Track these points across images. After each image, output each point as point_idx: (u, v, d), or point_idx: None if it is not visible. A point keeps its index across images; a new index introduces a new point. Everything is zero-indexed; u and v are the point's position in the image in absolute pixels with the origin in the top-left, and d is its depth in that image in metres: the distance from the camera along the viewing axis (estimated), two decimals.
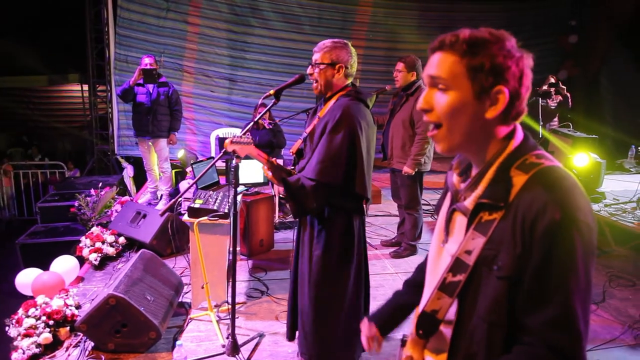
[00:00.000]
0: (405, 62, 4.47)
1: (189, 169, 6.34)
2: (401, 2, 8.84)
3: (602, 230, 4.83)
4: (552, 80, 6.26)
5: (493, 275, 1.02)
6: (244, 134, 2.43)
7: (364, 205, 2.61)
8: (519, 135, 1.10)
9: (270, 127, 5.71)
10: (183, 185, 5.78)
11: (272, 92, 2.55)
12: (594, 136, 5.31)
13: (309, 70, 2.54)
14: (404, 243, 4.80)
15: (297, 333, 2.78)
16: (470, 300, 1.07)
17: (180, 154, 7.19)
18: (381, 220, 5.81)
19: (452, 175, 1.23)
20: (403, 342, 1.38)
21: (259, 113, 5.68)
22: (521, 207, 0.99)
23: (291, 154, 2.74)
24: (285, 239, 5.13)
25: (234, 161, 2.59)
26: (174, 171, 6.19)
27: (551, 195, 0.96)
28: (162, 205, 5.81)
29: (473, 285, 1.06)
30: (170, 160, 6.18)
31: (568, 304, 0.95)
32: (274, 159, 2.48)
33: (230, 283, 2.80)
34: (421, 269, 1.51)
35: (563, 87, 6.30)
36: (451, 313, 1.11)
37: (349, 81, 2.58)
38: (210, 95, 8.43)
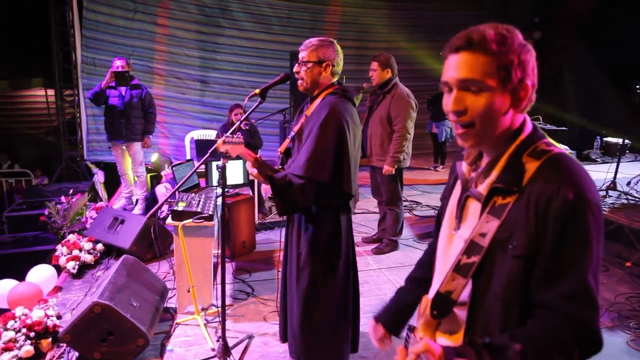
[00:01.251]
0: (379, 61, 4.52)
1: (164, 172, 6.24)
2: (371, 1, 8.91)
3: None
4: None
5: (508, 255, 1.07)
6: (233, 133, 2.41)
7: (352, 203, 2.63)
8: (529, 125, 1.15)
9: (247, 127, 5.67)
10: (159, 189, 5.68)
11: (257, 91, 2.54)
12: (563, 128, 5.48)
13: (295, 68, 2.54)
14: (386, 239, 4.85)
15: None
16: (484, 280, 1.11)
17: (154, 157, 7.07)
18: (360, 218, 5.84)
19: (461, 165, 1.27)
20: (410, 328, 1.40)
21: (234, 114, 5.71)
22: (535, 190, 1.04)
23: (279, 153, 2.73)
24: (266, 239, 5.11)
25: (221, 161, 2.57)
26: (149, 175, 6.08)
27: (563, 178, 1.03)
28: (138, 210, 5.70)
29: (487, 266, 1.10)
30: (145, 164, 6.06)
31: (584, 277, 1.01)
32: (259, 156, 2.47)
33: (219, 285, 2.76)
34: (421, 265, 1.54)
35: None
36: (465, 295, 1.15)
37: (335, 79, 2.58)
38: (182, 97, 8.32)
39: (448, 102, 1.12)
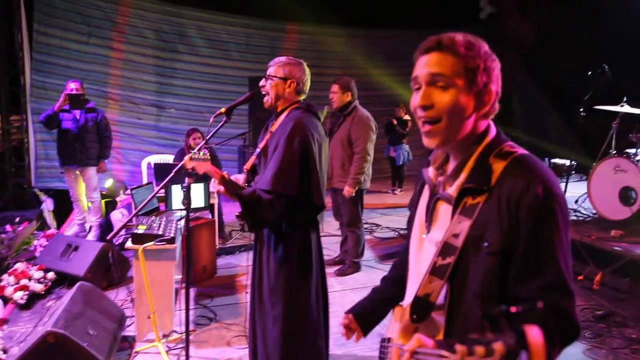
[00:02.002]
0: (339, 84, 4.61)
1: (119, 198, 6.05)
2: (328, 28, 9.11)
3: None
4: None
5: (483, 252, 1.09)
6: (199, 150, 2.38)
7: (320, 218, 2.63)
8: (493, 129, 1.22)
9: (207, 153, 5.61)
10: (115, 215, 5.49)
11: (223, 110, 2.52)
12: None
13: (261, 82, 2.57)
14: (348, 261, 4.86)
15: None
16: (460, 280, 1.13)
17: (109, 183, 6.84)
18: (322, 241, 5.80)
19: (427, 171, 1.31)
20: (385, 340, 1.39)
21: (192, 138, 5.64)
22: (505, 188, 1.09)
23: (245, 171, 2.71)
24: (227, 264, 5.01)
25: (186, 181, 2.53)
26: (103, 201, 5.88)
27: (531, 175, 1.08)
28: (92, 237, 5.48)
29: (462, 266, 1.12)
30: (99, 189, 5.86)
31: (560, 268, 1.05)
32: (225, 172, 2.43)
33: (181, 311, 2.67)
34: (397, 266, 1.56)
35: None
36: (442, 297, 1.16)
37: (301, 98, 2.62)
38: (137, 122, 8.16)
39: (416, 99, 1.16)
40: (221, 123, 2.54)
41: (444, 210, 1.20)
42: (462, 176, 1.18)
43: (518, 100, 9.87)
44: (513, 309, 1.03)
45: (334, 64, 9.31)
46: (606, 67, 5.47)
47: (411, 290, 1.27)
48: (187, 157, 2.35)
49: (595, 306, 4.07)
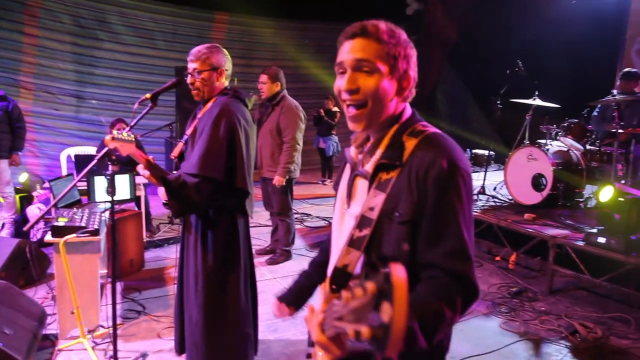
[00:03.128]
0: (268, 74, 4.62)
1: (36, 193, 5.71)
2: (257, 20, 9.04)
3: None
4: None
5: (395, 222, 1.16)
6: (128, 131, 2.29)
7: (249, 206, 2.63)
8: (409, 110, 1.30)
9: (131, 135, 5.41)
10: (31, 210, 5.17)
11: (148, 95, 2.43)
12: None
13: (189, 79, 2.50)
14: (279, 249, 4.89)
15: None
16: (375, 250, 1.19)
17: (24, 177, 6.42)
18: (252, 231, 5.76)
19: (349, 150, 1.37)
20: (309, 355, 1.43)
21: (116, 129, 5.40)
22: (414, 163, 1.16)
23: (173, 158, 2.66)
24: (156, 257, 4.88)
25: (109, 168, 2.44)
26: (18, 196, 5.50)
27: (438, 151, 1.16)
28: (5, 234, 5.12)
29: (377, 237, 1.19)
30: (13, 184, 5.48)
31: (461, 236, 1.14)
32: (151, 157, 2.37)
33: (108, 306, 2.58)
34: (324, 250, 1.60)
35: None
36: (358, 267, 1.22)
37: (227, 83, 2.61)
38: (55, 113, 7.71)
39: (342, 83, 1.20)
40: (146, 109, 2.46)
41: (362, 185, 1.27)
42: (378, 153, 1.24)
43: (442, 93, 10.32)
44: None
45: (263, 55, 9.27)
46: (520, 63, 5.86)
47: (333, 261, 1.32)
48: (108, 136, 2.22)
49: (511, 284, 4.38)
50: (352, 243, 1.21)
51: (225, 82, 2.57)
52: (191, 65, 2.48)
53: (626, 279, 3.81)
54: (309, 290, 1.58)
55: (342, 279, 1.22)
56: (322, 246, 1.64)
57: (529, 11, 8.05)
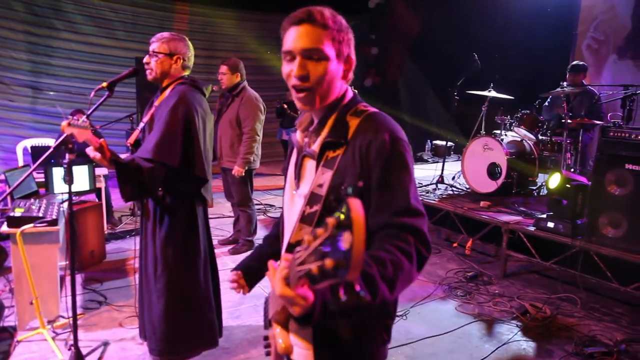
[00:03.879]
0: (228, 65, 4.63)
1: None
2: (219, 11, 8.98)
3: None
4: None
5: (342, 196, 1.20)
6: (84, 119, 2.28)
7: (207, 194, 2.66)
8: (350, 92, 1.38)
9: (87, 122, 5.33)
10: None
11: (104, 84, 2.44)
12: None
13: (145, 59, 2.54)
14: (241, 239, 4.93)
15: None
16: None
17: None
18: (215, 222, 5.82)
19: (295, 134, 1.44)
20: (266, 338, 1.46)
21: (75, 119, 5.31)
22: (358, 139, 1.24)
23: (129, 145, 2.67)
24: (118, 249, 4.84)
25: (67, 157, 2.43)
26: None
27: (379, 127, 1.25)
28: None
29: (327, 213, 1.23)
30: None
31: (408, 195, 1.21)
32: (103, 140, 2.34)
33: (68, 297, 2.58)
34: (277, 224, 1.65)
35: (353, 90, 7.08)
36: None
37: (186, 73, 2.63)
38: (10, 105, 7.47)
39: (292, 69, 1.26)
40: (103, 98, 2.45)
41: (310, 165, 1.33)
42: (324, 133, 1.32)
43: (404, 86, 10.50)
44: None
45: (225, 47, 9.21)
46: (476, 56, 6.05)
47: (286, 239, 1.39)
48: (64, 122, 2.20)
49: (467, 269, 4.56)
50: (304, 219, 1.26)
51: (183, 71, 2.60)
52: (151, 46, 2.53)
53: (573, 261, 4.03)
54: (264, 264, 1.60)
55: None
56: (275, 222, 1.70)
57: (485, 6, 8.29)
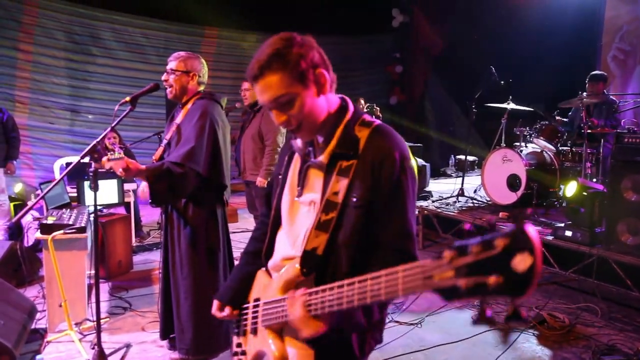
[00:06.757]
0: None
1: (31, 202, 5.88)
2: (245, 34, 9.32)
3: (431, 221, 5.65)
4: (362, 102, 7.07)
5: (352, 206, 1.30)
6: (117, 150, 2.50)
7: (226, 195, 2.85)
8: (351, 105, 1.43)
9: (121, 152, 5.61)
10: (26, 218, 5.35)
11: (128, 99, 2.67)
12: (419, 145, 6.19)
13: (164, 77, 2.74)
14: None
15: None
16: (338, 232, 1.32)
17: (18, 188, 6.61)
18: (239, 236, 5.99)
19: (296, 142, 1.47)
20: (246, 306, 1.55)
21: (107, 138, 5.61)
22: (369, 154, 1.31)
23: (154, 161, 2.85)
24: (144, 260, 5.05)
25: (92, 165, 2.64)
26: (12, 204, 5.69)
27: (390, 143, 1.32)
28: None
29: (341, 220, 1.31)
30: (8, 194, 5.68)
31: (407, 218, 1.31)
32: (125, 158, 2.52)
33: (94, 304, 2.75)
34: (256, 239, 1.65)
35: (377, 107, 7.16)
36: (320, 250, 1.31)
37: (201, 88, 2.83)
38: (50, 127, 7.91)
39: (274, 118, 1.33)
40: (126, 111, 2.68)
41: (314, 175, 1.39)
42: (332, 145, 1.34)
43: (428, 102, 10.57)
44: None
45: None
46: (493, 69, 6.09)
47: (284, 250, 1.43)
48: (104, 159, 2.44)
49: None
50: (320, 226, 1.29)
51: (198, 86, 2.80)
52: (169, 65, 2.74)
53: (593, 270, 3.96)
54: (248, 282, 1.57)
55: (312, 261, 1.30)
56: (254, 235, 1.68)
57: (509, 20, 8.31)
